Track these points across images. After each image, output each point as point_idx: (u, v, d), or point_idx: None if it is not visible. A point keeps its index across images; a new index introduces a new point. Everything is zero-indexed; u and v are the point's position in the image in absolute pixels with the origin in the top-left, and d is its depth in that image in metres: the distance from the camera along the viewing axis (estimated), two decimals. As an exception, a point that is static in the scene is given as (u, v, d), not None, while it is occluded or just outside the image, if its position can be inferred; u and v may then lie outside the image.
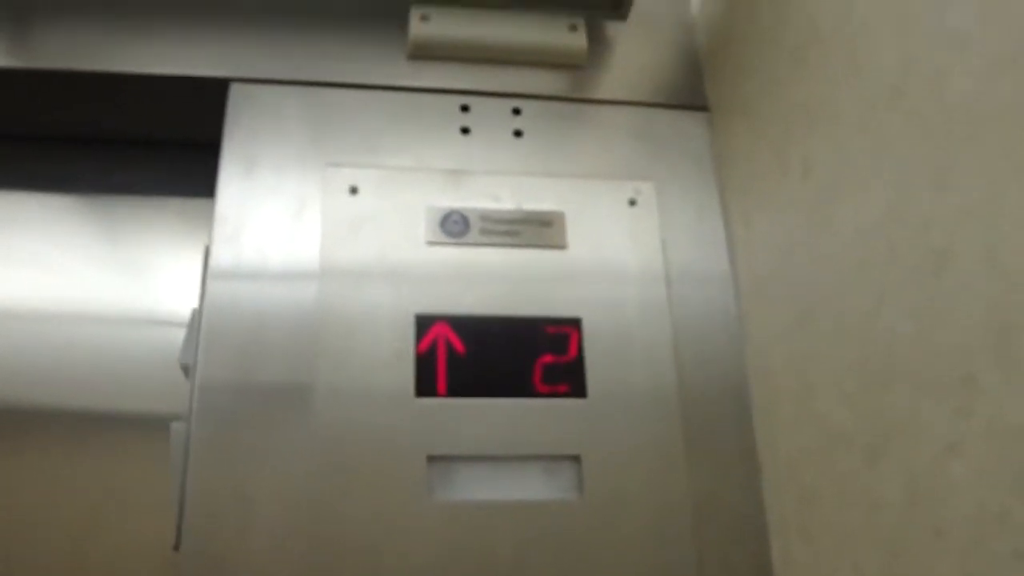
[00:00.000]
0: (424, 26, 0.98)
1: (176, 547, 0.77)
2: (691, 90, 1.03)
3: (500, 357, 0.86)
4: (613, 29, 1.04)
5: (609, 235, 0.93)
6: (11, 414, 0.96)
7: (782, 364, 0.83)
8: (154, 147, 1.08)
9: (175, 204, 1.07)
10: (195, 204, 1.05)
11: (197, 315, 0.86)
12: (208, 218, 0.89)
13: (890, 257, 0.67)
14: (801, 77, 0.82)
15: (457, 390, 0.84)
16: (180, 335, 0.87)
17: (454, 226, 0.90)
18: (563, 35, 1.00)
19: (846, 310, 0.73)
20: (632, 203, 0.94)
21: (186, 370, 0.85)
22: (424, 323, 0.86)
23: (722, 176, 0.98)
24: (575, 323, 0.88)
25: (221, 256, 0.86)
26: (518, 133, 0.97)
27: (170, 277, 1.04)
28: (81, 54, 0.95)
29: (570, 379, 0.86)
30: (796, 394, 0.80)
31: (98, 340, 1.00)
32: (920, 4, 0.65)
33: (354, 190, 0.90)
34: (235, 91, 0.94)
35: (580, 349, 0.87)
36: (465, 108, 0.97)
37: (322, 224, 0.88)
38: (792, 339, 0.81)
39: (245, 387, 0.82)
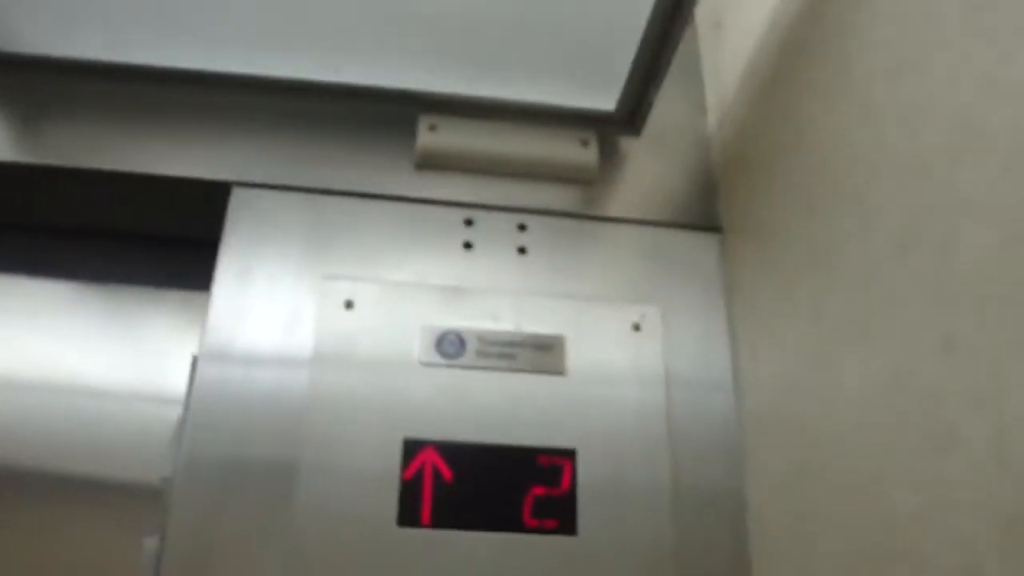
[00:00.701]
0: (432, 136, 0.97)
1: None
2: (704, 210, 1.00)
3: (489, 487, 0.82)
4: (626, 145, 1.02)
5: (611, 361, 0.89)
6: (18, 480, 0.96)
7: (781, 520, 0.79)
8: (158, 242, 1.06)
9: (175, 296, 1.06)
10: (195, 297, 1.03)
11: (180, 425, 0.83)
12: (205, 309, 0.87)
13: (896, 425, 0.63)
14: (811, 215, 0.79)
15: (441, 520, 0.80)
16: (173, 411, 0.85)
17: (450, 347, 0.88)
18: (574, 150, 0.98)
19: (846, 472, 0.69)
20: (636, 328, 0.91)
21: (164, 482, 0.82)
22: (412, 448, 0.83)
23: (732, 302, 0.94)
24: (570, 454, 0.85)
25: (209, 367, 0.84)
26: (522, 250, 0.95)
27: (166, 360, 1.03)
28: (88, 152, 0.95)
29: (561, 514, 0.82)
30: (796, 556, 0.76)
31: (99, 413, 0.99)
32: (930, 159, 0.62)
33: (349, 304, 0.88)
34: (236, 195, 0.93)
35: (573, 482, 0.84)
36: (469, 222, 0.95)
37: (314, 339, 0.86)
38: (791, 492, 0.77)
39: (223, 507, 0.79)
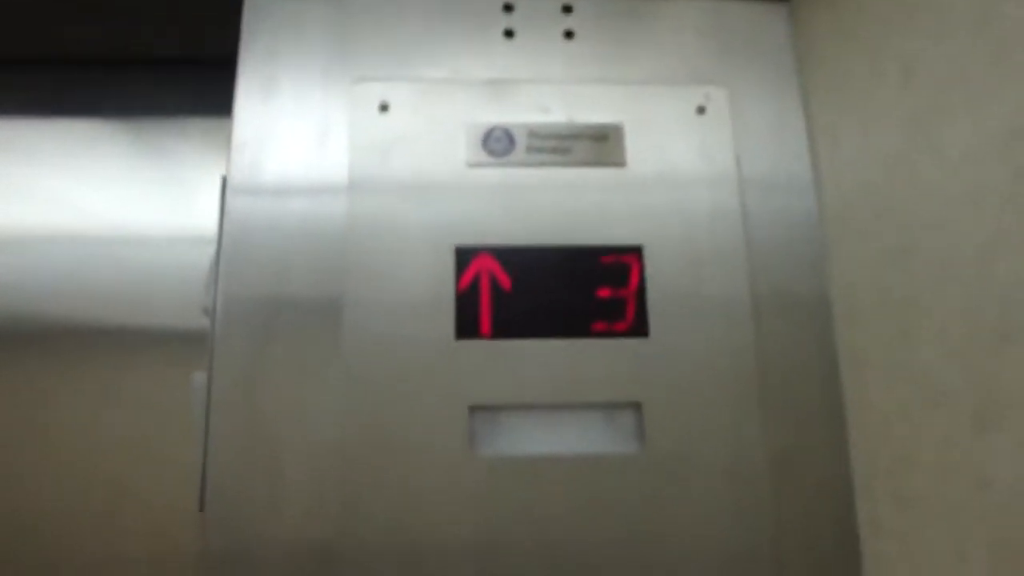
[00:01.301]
0: (460, -88, 0.86)
1: (202, 508, 0.72)
2: (769, -25, 0.89)
3: (551, 292, 0.77)
4: (678, -95, 0.90)
5: (674, 149, 0.81)
6: (34, 331, 0.94)
7: (875, 306, 0.72)
8: (173, 66, 0.99)
9: (197, 124, 1.00)
10: (218, 123, 0.97)
11: (216, 258, 0.78)
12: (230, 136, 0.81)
13: (1012, 190, 0.55)
14: (902, -44, 0.68)
15: (503, 331, 0.75)
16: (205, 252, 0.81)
17: (497, 144, 0.80)
18: (620, -84, 0.87)
19: (955, 248, 0.61)
20: (701, 111, 0.83)
21: (207, 313, 0.78)
22: (465, 256, 0.77)
23: (805, 78, 0.85)
24: (636, 251, 0.78)
25: (239, 190, 0.78)
26: (569, 34, 0.85)
27: (193, 195, 0.98)
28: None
29: (630, 315, 0.77)
30: (891, 342, 0.69)
31: (126, 259, 0.96)
32: None
33: (384, 107, 0.81)
34: (250, 1, 0.84)
35: (642, 281, 0.77)
36: (508, 8, 0.86)
37: (350, 148, 0.79)
38: (887, 277, 0.70)
39: (268, 333, 0.75)
